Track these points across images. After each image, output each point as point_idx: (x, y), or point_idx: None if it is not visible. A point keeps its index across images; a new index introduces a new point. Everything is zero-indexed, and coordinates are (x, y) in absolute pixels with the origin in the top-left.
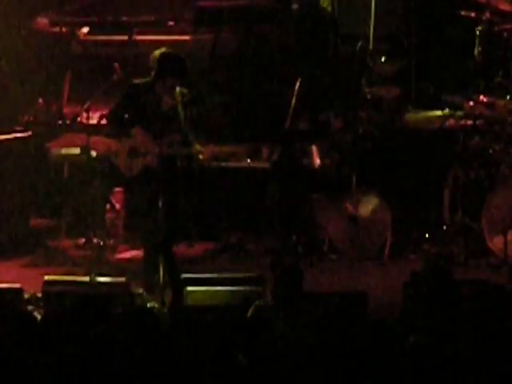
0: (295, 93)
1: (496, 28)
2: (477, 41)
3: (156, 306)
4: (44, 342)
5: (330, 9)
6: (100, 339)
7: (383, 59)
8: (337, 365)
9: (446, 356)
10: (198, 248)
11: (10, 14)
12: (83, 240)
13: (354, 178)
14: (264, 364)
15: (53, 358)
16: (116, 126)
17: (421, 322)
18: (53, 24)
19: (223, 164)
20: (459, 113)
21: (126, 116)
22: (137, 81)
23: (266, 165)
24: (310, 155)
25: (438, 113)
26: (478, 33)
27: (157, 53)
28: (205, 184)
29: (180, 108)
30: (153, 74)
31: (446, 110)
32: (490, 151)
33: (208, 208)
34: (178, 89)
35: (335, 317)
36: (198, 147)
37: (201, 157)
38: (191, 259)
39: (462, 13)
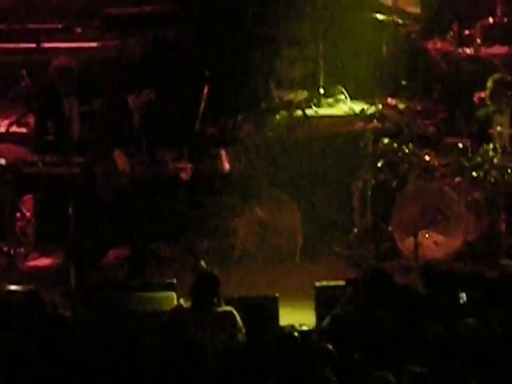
0: (203, 97)
1: (403, 30)
2: (384, 42)
3: (67, 313)
4: None
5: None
6: (9, 348)
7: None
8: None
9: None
10: (111, 255)
11: None
12: None
13: (264, 182)
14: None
15: None
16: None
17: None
18: None
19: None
20: (369, 111)
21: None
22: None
23: (173, 171)
24: (219, 160)
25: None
26: (385, 35)
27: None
28: (118, 192)
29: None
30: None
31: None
32: (399, 153)
33: (120, 215)
34: None
35: (248, 321)
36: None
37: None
38: (104, 266)
39: (372, 15)
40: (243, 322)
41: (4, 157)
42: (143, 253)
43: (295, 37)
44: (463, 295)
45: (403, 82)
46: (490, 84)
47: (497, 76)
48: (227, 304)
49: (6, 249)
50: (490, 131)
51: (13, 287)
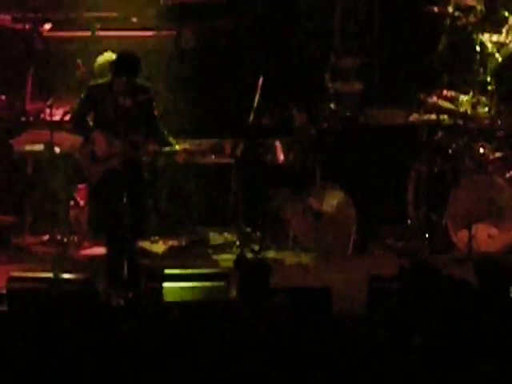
0: (258, 89)
1: (459, 23)
2: (441, 36)
3: (120, 302)
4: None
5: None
6: (63, 336)
7: (348, 56)
8: (302, 359)
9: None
10: (163, 243)
11: None
12: (47, 237)
13: (318, 174)
14: (230, 358)
15: (15, 355)
16: (78, 130)
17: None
18: (15, 21)
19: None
20: (423, 109)
21: (89, 118)
22: (96, 82)
23: (229, 160)
24: (273, 151)
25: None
26: (442, 28)
27: (108, 56)
28: (169, 181)
29: (144, 107)
30: (110, 74)
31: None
32: (454, 146)
33: (172, 204)
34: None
35: (300, 311)
36: (176, 146)
37: (178, 155)
38: (155, 255)
39: (426, 7)
40: (295, 311)
41: (59, 145)
42: (194, 242)
43: (350, 29)
44: None
45: (461, 75)
46: None
47: None
48: (278, 293)
49: (59, 237)
50: None
51: (66, 276)
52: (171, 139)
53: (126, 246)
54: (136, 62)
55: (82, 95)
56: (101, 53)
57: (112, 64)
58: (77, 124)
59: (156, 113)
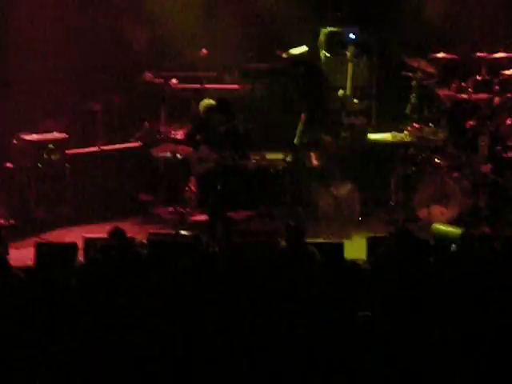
0: (302, 120)
1: (424, 82)
2: (413, 90)
3: (216, 249)
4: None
5: (323, 70)
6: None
7: (355, 101)
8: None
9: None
10: (242, 214)
11: (128, 69)
12: (172, 208)
13: (336, 173)
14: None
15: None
16: (190, 144)
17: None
18: (154, 77)
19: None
20: (402, 134)
21: (198, 137)
22: (201, 117)
23: (283, 165)
24: (310, 158)
25: (389, 134)
26: (413, 85)
27: (209, 101)
28: (247, 177)
29: (230, 132)
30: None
31: (394, 132)
32: (420, 157)
33: (249, 190)
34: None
35: (326, 257)
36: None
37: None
38: (238, 221)
39: (403, 73)
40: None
41: (180, 154)
42: (262, 214)
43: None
44: (454, 246)
45: (425, 114)
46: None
47: (482, 112)
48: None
49: (179, 209)
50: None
51: (183, 232)
52: (248, 153)
53: (219, 214)
54: (228, 105)
55: (194, 123)
56: (205, 98)
57: (211, 106)
58: (191, 141)
59: (241, 137)
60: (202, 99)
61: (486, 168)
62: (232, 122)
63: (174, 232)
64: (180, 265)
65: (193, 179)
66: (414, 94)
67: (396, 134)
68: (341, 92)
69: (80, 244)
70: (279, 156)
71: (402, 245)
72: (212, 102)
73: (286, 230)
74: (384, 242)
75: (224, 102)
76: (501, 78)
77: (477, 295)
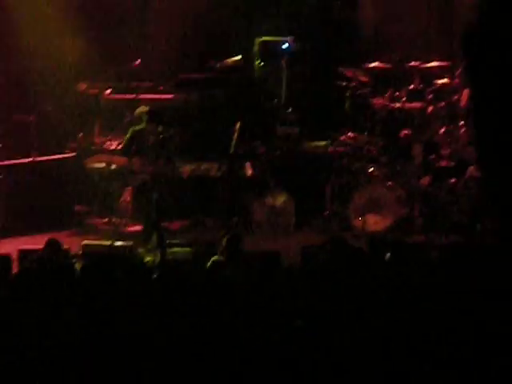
0: (236, 130)
1: (358, 92)
2: (346, 99)
3: (149, 260)
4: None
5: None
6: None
7: (289, 110)
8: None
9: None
10: (177, 224)
11: (62, 80)
12: (107, 219)
13: (271, 183)
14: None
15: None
16: (126, 155)
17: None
18: (89, 87)
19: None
20: (336, 143)
21: (133, 147)
22: (136, 127)
23: (217, 175)
24: (245, 168)
25: (323, 143)
26: (347, 94)
27: (143, 109)
28: (182, 187)
29: (165, 142)
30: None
31: (328, 142)
32: (354, 167)
33: (184, 200)
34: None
35: (261, 267)
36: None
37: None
38: (172, 231)
39: (337, 82)
40: (257, 265)
41: (115, 164)
42: (197, 223)
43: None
44: (388, 254)
45: (359, 123)
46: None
47: (415, 121)
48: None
49: (114, 219)
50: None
51: (118, 243)
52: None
53: (154, 224)
54: (162, 114)
55: (128, 134)
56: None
57: (146, 113)
58: (125, 151)
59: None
60: (136, 109)
61: (425, 181)
62: (167, 131)
63: (109, 243)
64: (115, 275)
65: (127, 189)
66: (348, 104)
67: (330, 143)
68: (275, 101)
69: (14, 255)
70: (214, 166)
71: (336, 254)
72: (147, 109)
73: (223, 239)
74: (318, 251)
75: (158, 112)
76: (434, 87)
77: (411, 304)
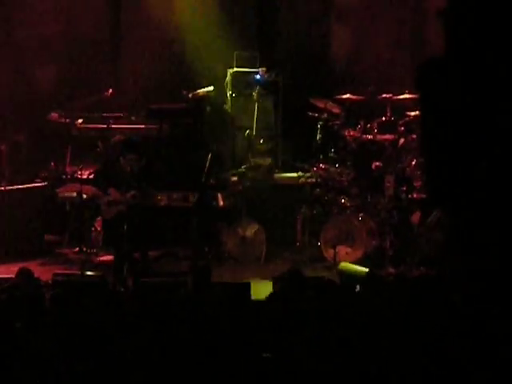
0: (208, 161)
1: (330, 123)
2: (318, 131)
3: (121, 289)
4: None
5: (229, 110)
6: (85, 308)
7: (261, 141)
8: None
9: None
10: (149, 254)
11: (34, 109)
12: (77, 249)
13: (243, 213)
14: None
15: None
16: (98, 186)
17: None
18: (60, 117)
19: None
20: (307, 174)
21: (105, 177)
22: (108, 157)
23: (189, 205)
24: (217, 199)
25: (295, 174)
26: (319, 126)
27: (118, 138)
28: (154, 217)
29: (137, 172)
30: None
31: (300, 173)
32: (326, 198)
33: (156, 230)
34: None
35: (231, 298)
36: (157, 196)
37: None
38: (145, 261)
39: (309, 114)
40: (228, 297)
41: (85, 193)
42: (168, 254)
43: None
44: (358, 286)
45: (330, 154)
46: (383, 157)
47: (387, 153)
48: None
49: (85, 249)
50: (382, 186)
51: (89, 272)
52: (150, 191)
53: (125, 254)
54: (135, 145)
55: (101, 164)
56: (113, 136)
57: (120, 143)
58: (98, 181)
59: (147, 176)
60: (108, 139)
61: (416, 217)
62: (140, 161)
63: (79, 272)
64: (86, 305)
65: (99, 219)
66: (319, 135)
67: (302, 174)
68: (247, 132)
69: None
70: (186, 196)
71: (293, 285)
72: (121, 139)
73: (194, 270)
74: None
75: (132, 142)
76: (405, 119)
77: (381, 335)
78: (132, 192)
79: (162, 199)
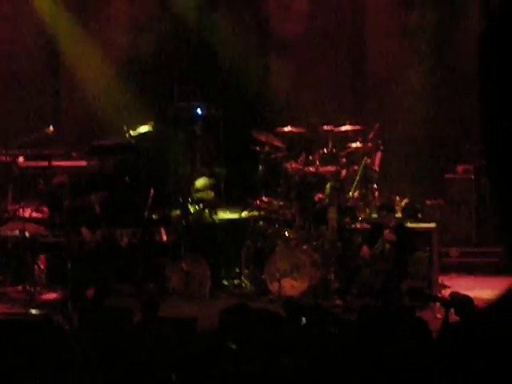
0: (151, 195)
1: (272, 156)
2: (260, 164)
3: (67, 327)
4: None
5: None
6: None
7: (203, 175)
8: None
9: None
10: (91, 291)
11: None
12: (21, 287)
13: (186, 248)
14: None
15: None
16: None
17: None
18: (1, 155)
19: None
20: (250, 208)
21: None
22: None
23: (133, 240)
24: (160, 234)
25: (238, 208)
26: (260, 159)
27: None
28: (97, 254)
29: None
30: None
31: (243, 207)
32: (269, 230)
33: (99, 267)
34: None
35: (179, 331)
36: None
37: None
38: (89, 298)
39: (251, 147)
40: (174, 333)
41: (28, 231)
42: (114, 290)
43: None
44: (304, 319)
45: (273, 187)
46: (327, 189)
47: (330, 184)
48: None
49: (28, 287)
50: (326, 217)
51: (33, 311)
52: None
53: (70, 292)
54: (79, 182)
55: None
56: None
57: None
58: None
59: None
60: (50, 176)
61: (364, 251)
62: (83, 199)
63: (23, 311)
64: (30, 344)
65: (42, 257)
66: (261, 168)
67: (245, 208)
68: (189, 167)
69: None
70: (129, 232)
71: (240, 319)
72: (63, 180)
73: (142, 304)
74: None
75: (75, 180)
76: (347, 150)
77: (328, 368)
78: (76, 229)
79: (105, 235)
